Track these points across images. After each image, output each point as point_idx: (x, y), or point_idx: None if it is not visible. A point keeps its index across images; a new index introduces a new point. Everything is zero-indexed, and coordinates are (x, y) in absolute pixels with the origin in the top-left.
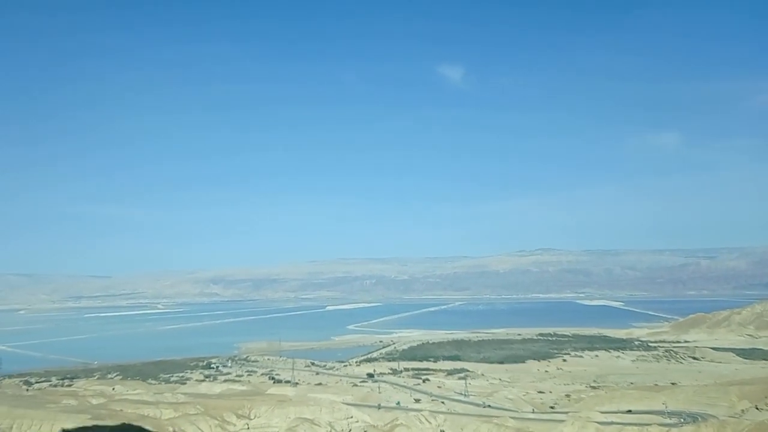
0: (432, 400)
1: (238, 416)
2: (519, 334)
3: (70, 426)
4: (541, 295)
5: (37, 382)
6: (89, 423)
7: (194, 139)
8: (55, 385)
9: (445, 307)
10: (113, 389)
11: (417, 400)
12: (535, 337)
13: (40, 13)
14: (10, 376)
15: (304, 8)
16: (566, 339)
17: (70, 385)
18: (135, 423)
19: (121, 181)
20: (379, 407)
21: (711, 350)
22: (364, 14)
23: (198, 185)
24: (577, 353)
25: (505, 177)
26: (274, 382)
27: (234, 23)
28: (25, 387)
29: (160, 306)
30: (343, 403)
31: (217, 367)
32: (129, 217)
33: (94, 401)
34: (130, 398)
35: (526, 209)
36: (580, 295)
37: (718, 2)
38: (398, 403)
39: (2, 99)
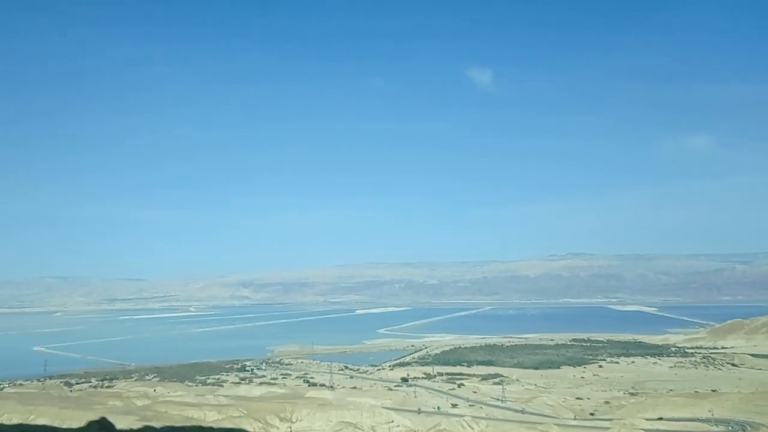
0: (469, 405)
1: (281, 419)
2: (552, 340)
3: (119, 427)
4: (572, 300)
5: (77, 383)
6: (137, 424)
7: (226, 145)
8: (95, 386)
9: (475, 311)
10: (154, 391)
11: (454, 405)
12: (569, 343)
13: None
14: (51, 377)
15: (329, 8)
16: (601, 345)
17: (110, 387)
18: (181, 425)
19: (154, 186)
20: (419, 412)
21: (750, 357)
22: (391, 15)
23: (228, 189)
24: (612, 359)
25: (536, 180)
26: (309, 386)
27: (259, 23)
28: (67, 388)
29: (191, 309)
30: (383, 407)
31: (252, 369)
32: (161, 220)
33: (139, 402)
34: (173, 400)
35: (557, 213)
36: (612, 300)
37: (753, 2)
38: (438, 407)
39: (41, 108)
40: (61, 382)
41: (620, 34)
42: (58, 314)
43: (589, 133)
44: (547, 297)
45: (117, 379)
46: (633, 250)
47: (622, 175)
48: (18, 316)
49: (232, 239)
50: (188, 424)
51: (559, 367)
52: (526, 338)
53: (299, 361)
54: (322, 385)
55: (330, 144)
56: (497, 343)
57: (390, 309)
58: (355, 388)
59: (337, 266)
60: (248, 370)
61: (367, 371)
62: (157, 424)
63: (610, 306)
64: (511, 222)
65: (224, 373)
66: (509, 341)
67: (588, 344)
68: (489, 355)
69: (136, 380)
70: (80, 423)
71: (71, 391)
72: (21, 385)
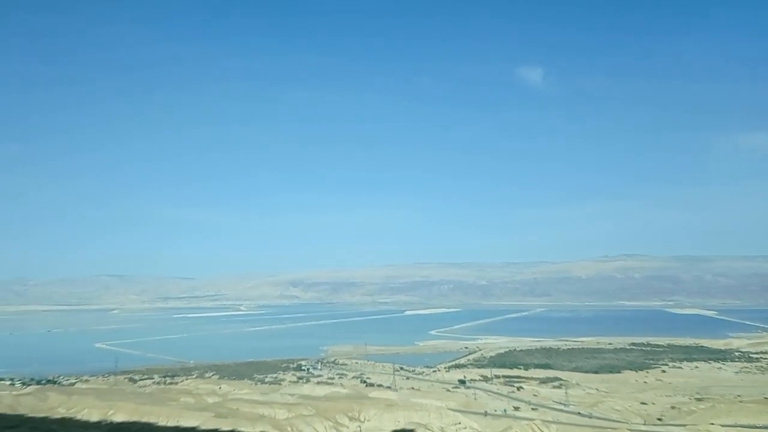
0: (532, 408)
1: (350, 418)
2: (610, 344)
3: (195, 423)
4: (626, 303)
5: (141, 380)
6: (214, 421)
7: (276, 145)
8: (158, 383)
9: (526, 313)
10: (220, 388)
11: (516, 408)
12: (628, 347)
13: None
14: (114, 374)
15: (378, 8)
16: (661, 349)
17: (173, 383)
18: (254, 422)
19: (206, 186)
20: (485, 414)
21: None
22: (441, 15)
23: (277, 189)
24: (675, 364)
25: (587, 180)
26: (366, 386)
27: (307, 22)
28: (131, 384)
29: (242, 307)
30: (449, 409)
31: (308, 369)
32: (212, 220)
33: (210, 400)
34: (243, 398)
35: (609, 213)
36: (669, 303)
37: None
38: (505, 410)
39: (92, 106)
40: (125, 378)
41: (673, 33)
42: (115, 312)
43: (642, 133)
44: (599, 299)
45: (178, 376)
46: (690, 252)
47: (678, 175)
48: (77, 313)
49: (282, 239)
50: (261, 421)
51: (620, 372)
52: (582, 341)
53: (353, 361)
54: (380, 385)
55: (378, 143)
56: (553, 346)
57: (440, 310)
58: (412, 389)
59: (385, 266)
60: (304, 370)
61: (423, 373)
62: (232, 421)
63: (666, 309)
64: (562, 222)
65: (281, 372)
66: (565, 344)
67: (648, 348)
68: (546, 359)
69: (196, 378)
70: (158, 419)
71: (138, 387)
72: (87, 380)
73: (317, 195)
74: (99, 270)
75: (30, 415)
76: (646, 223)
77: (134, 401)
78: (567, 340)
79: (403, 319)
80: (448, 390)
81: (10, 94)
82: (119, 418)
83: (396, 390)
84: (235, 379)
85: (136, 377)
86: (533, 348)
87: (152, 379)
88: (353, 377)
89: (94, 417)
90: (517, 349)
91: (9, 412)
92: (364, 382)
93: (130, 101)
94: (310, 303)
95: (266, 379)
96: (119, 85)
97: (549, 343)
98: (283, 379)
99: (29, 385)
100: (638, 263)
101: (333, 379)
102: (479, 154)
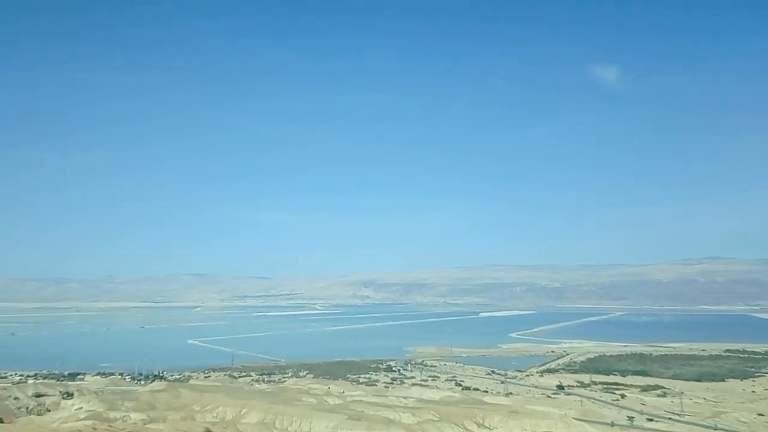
0: (647, 419)
1: (478, 425)
2: (703, 350)
3: (329, 424)
4: (709, 307)
5: (240, 377)
6: (348, 424)
7: (349, 149)
8: (257, 380)
9: (605, 317)
10: (329, 388)
11: (630, 418)
12: (724, 354)
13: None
14: (213, 370)
15: (452, 9)
16: (760, 356)
17: (271, 381)
18: (387, 426)
19: (279, 188)
20: (612, 425)
21: None
22: (512, 15)
23: (348, 191)
24: None
25: (667, 181)
26: (462, 389)
27: (384, 22)
28: (236, 382)
29: (317, 307)
30: (574, 417)
31: (399, 370)
32: (287, 221)
33: (331, 401)
34: (363, 400)
35: (690, 215)
36: (755, 308)
37: None
38: (631, 420)
39: (174, 114)
40: (224, 375)
41: (759, 34)
42: (198, 309)
43: (723, 131)
44: (681, 303)
45: (274, 374)
46: None
47: (764, 177)
48: (163, 310)
49: (354, 240)
50: (393, 426)
51: (723, 380)
52: (673, 347)
53: (442, 363)
54: (476, 389)
55: (450, 144)
56: (644, 352)
57: (514, 312)
58: (510, 394)
59: (456, 268)
60: (395, 371)
61: (516, 377)
62: (364, 423)
63: (753, 314)
64: (640, 224)
65: (372, 373)
66: (656, 350)
67: (746, 356)
68: (640, 365)
69: (292, 376)
70: (291, 419)
71: (246, 385)
72: (189, 376)
73: (386, 197)
74: (180, 269)
75: (167, 411)
76: (731, 224)
77: (265, 400)
78: (656, 346)
79: (479, 321)
80: (548, 396)
81: (103, 102)
82: (253, 417)
83: (508, 395)
84: (329, 378)
85: (235, 374)
86: (623, 353)
87: (250, 376)
88: (446, 379)
89: (228, 415)
90: (607, 354)
91: (147, 408)
92: (460, 384)
93: (208, 107)
94: (382, 303)
95: (360, 380)
96: (198, 93)
97: (638, 348)
98: (377, 380)
99: (139, 380)
100: (722, 266)
101: (426, 381)
102: (551, 155)
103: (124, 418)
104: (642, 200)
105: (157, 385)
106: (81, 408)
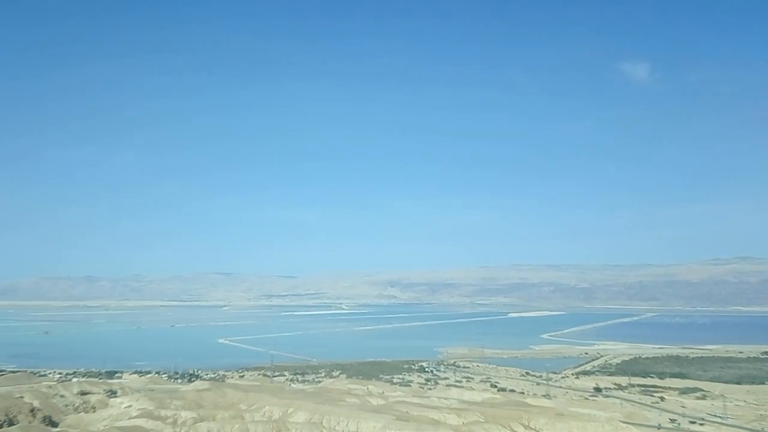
0: (690, 422)
1: (525, 427)
2: (740, 352)
3: (377, 425)
4: (741, 308)
5: (274, 376)
6: (397, 424)
7: (374, 147)
8: (291, 380)
9: (636, 318)
10: (367, 389)
11: (673, 421)
12: (762, 356)
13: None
14: (247, 369)
15: (471, 7)
16: None
17: (305, 381)
18: (436, 427)
19: (303, 187)
20: (659, 428)
21: None
22: (535, 11)
23: (374, 190)
24: None
25: (696, 179)
26: (498, 390)
27: (401, 22)
28: (271, 381)
29: (344, 306)
30: (620, 421)
31: (432, 371)
32: (311, 220)
33: (374, 401)
34: (406, 401)
35: (721, 213)
36: None
37: None
38: (678, 424)
39: (204, 114)
40: (258, 374)
41: None
42: (226, 308)
43: (759, 127)
44: (712, 304)
45: (307, 374)
46: None
47: None
48: (191, 309)
49: (379, 238)
50: (441, 427)
51: (763, 383)
52: (709, 349)
53: (475, 364)
54: (512, 390)
55: (474, 141)
56: (680, 354)
57: (543, 313)
58: (546, 395)
59: (482, 267)
60: (428, 371)
61: (551, 378)
62: (415, 425)
63: None
64: (668, 223)
65: (405, 373)
66: (692, 352)
67: None
68: (677, 367)
69: (326, 376)
70: (338, 419)
71: (285, 384)
72: (224, 375)
73: (412, 197)
74: (207, 268)
75: (215, 410)
76: (761, 224)
77: (310, 400)
78: (692, 348)
79: (508, 322)
80: (586, 398)
81: (133, 104)
82: (301, 417)
83: (550, 398)
84: (362, 378)
85: (269, 373)
86: (659, 356)
87: (284, 376)
88: (480, 381)
89: (275, 414)
90: (642, 356)
91: (195, 407)
92: (495, 386)
93: (231, 100)
94: (408, 303)
95: (394, 380)
96: (219, 83)
97: (674, 350)
98: (410, 381)
99: (176, 378)
100: (754, 266)
101: (460, 382)
102: (579, 153)
103: (175, 417)
104: (670, 199)
105: (200, 384)
106: (131, 406)
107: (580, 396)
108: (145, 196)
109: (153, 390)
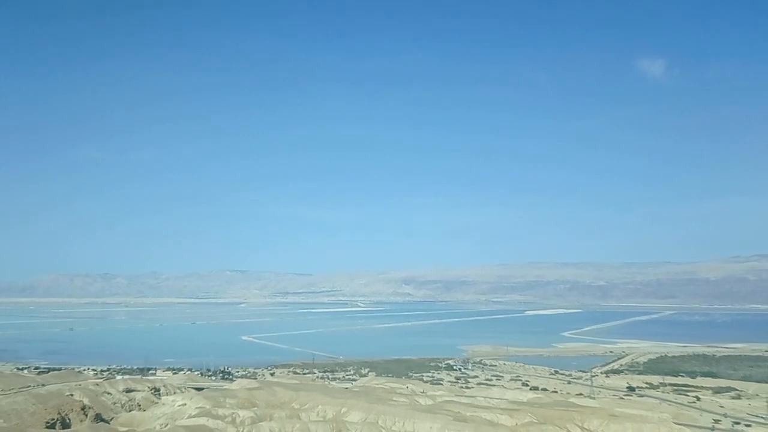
0: (734, 423)
1: (581, 428)
2: (767, 351)
3: (434, 426)
4: (761, 307)
5: (303, 374)
6: (455, 425)
7: (391, 146)
8: (321, 378)
9: (655, 316)
10: (407, 387)
11: (717, 422)
12: None
13: None
14: (275, 366)
15: (487, 6)
16: None
17: (335, 379)
18: (495, 428)
19: (319, 185)
20: (712, 429)
21: None
22: (550, 9)
23: (388, 188)
24: None
25: (715, 175)
26: (530, 389)
27: (417, 24)
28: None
29: (360, 304)
30: (673, 422)
31: (460, 369)
32: (327, 218)
33: (422, 401)
34: (454, 400)
35: (740, 210)
36: None
37: None
38: (733, 425)
39: (222, 113)
40: (288, 372)
41: None
42: (243, 306)
43: None
44: (731, 302)
45: (336, 371)
46: None
47: None
48: (209, 306)
49: (394, 237)
50: (500, 429)
51: None
52: (734, 348)
53: (501, 362)
54: (544, 388)
55: (491, 137)
56: (706, 353)
57: (560, 311)
58: (581, 394)
59: (497, 265)
60: (456, 369)
61: (581, 377)
62: (474, 426)
63: None
64: (687, 221)
65: (433, 371)
66: (717, 351)
67: None
68: (706, 366)
69: (354, 373)
70: (394, 419)
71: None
72: (255, 372)
73: (427, 194)
74: (222, 265)
75: (270, 409)
76: None
77: (362, 399)
78: (717, 347)
79: (526, 320)
80: (621, 397)
81: (153, 103)
82: (355, 416)
83: (594, 398)
84: (392, 376)
85: (298, 371)
86: (685, 354)
87: (313, 373)
88: (511, 379)
89: (329, 414)
90: (669, 354)
91: (249, 405)
92: (526, 384)
93: (249, 99)
94: (423, 301)
95: (424, 378)
96: (237, 82)
97: (699, 349)
98: (441, 379)
99: (209, 375)
100: None
101: (491, 380)
102: (596, 149)
103: (233, 416)
104: (688, 195)
105: (249, 382)
106: (185, 404)
107: (614, 395)
108: (162, 194)
109: (204, 389)
